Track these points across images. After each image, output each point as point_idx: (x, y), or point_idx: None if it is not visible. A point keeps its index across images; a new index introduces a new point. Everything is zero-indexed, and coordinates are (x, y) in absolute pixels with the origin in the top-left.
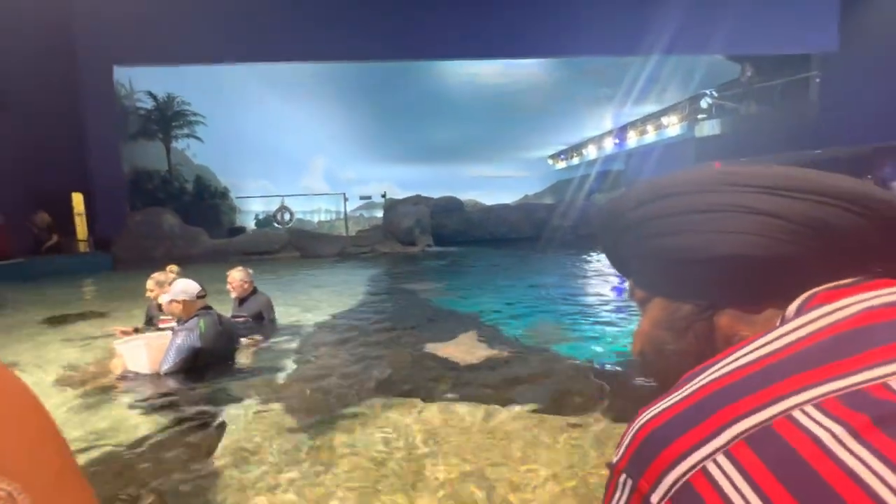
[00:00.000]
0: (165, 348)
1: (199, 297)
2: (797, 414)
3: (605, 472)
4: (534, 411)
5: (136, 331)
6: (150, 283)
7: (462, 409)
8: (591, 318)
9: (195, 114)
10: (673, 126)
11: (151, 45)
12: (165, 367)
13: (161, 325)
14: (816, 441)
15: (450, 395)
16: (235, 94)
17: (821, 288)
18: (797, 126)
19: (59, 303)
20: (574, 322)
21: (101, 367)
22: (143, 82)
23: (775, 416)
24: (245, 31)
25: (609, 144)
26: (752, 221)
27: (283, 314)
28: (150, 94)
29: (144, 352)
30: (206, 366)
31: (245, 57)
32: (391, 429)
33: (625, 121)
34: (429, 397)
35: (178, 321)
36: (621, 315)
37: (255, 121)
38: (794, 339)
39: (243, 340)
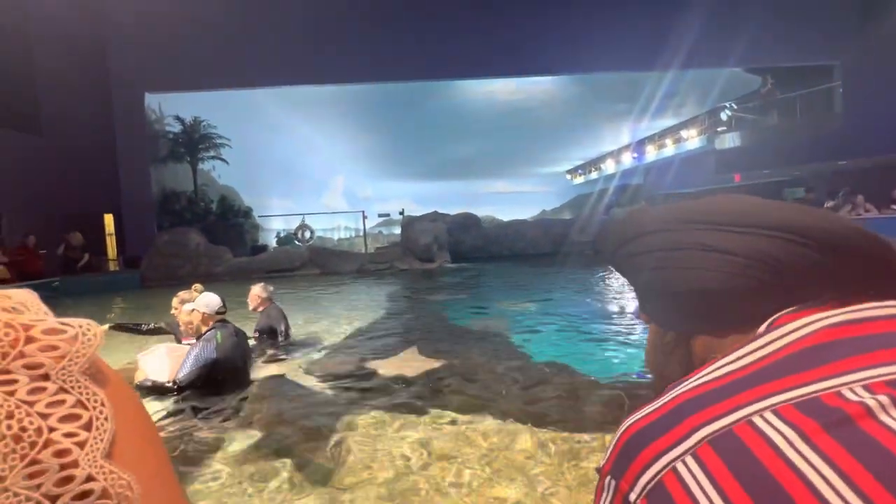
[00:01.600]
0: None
1: (219, 312)
2: (756, 419)
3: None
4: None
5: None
6: (175, 301)
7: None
8: (611, 335)
9: (220, 136)
10: (692, 139)
11: (180, 72)
12: (182, 375)
13: (184, 342)
14: (770, 443)
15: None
16: (259, 116)
17: (785, 311)
18: (820, 137)
19: (94, 318)
20: (596, 339)
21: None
22: (171, 107)
23: (737, 420)
24: (268, 56)
25: (627, 158)
26: (707, 258)
27: (300, 330)
28: (178, 118)
29: (166, 359)
30: (223, 381)
31: (268, 81)
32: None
33: (642, 135)
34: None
35: (197, 336)
36: (637, 332)
37: (277, 142)
38: (760, 356)
39: (266, 353)
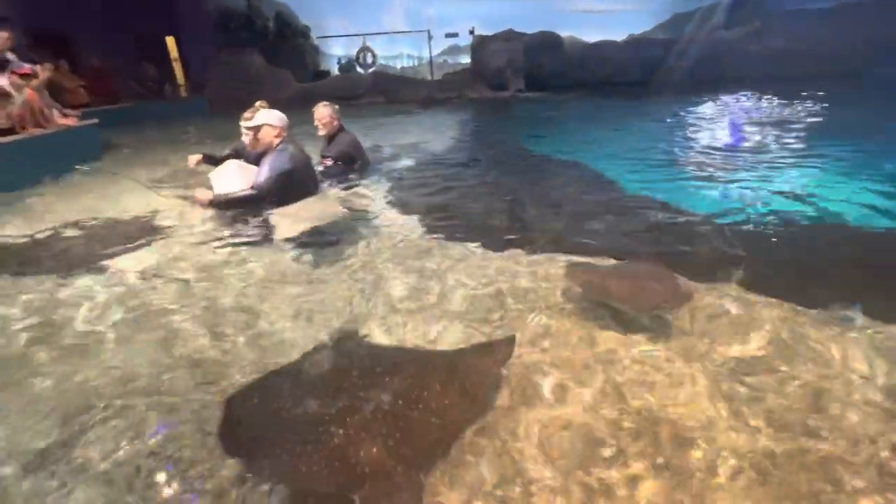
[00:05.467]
0: (256, 172)
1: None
2: None
3: None
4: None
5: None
6: (243, 125)
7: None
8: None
9: None
10: None
11: None
12: (261, 180)
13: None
14: None
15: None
16: None
17: None
18: None
19: (170, 144)
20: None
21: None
22: None
23: None
24: None
25: None
26: None
27: (372, 158)
28: None
29: (237, 174)
30: (295, 192)
31: None
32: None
33: None
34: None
35: (264, 152)
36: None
37: None
38: None
39: (348, 177)
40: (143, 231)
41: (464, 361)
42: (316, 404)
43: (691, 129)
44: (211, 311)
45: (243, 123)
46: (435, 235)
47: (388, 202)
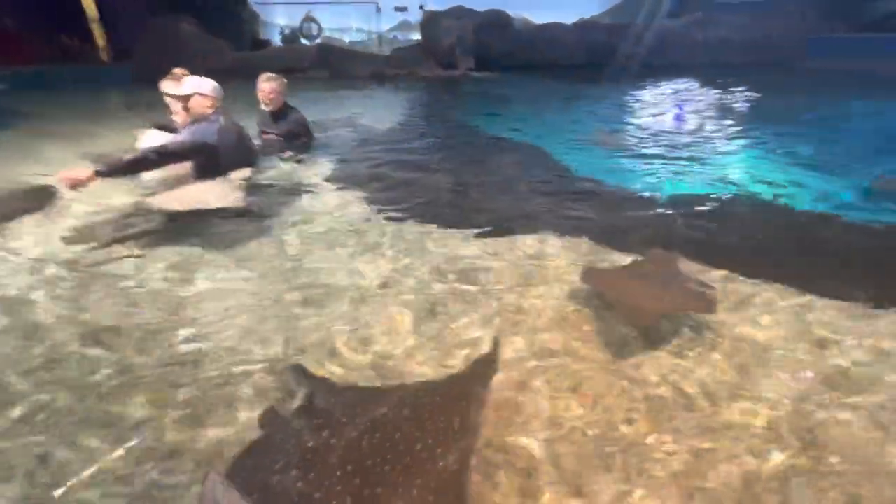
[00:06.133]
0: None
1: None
2: None
3: None
4: None
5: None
6: (169, 91)
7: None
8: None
9: None
10: None
11: None
12: (173, 142)
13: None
14: None
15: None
16: None
17: None
18: None
19: (88, 113)
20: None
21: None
22: None
23: None
24: None
25: None
26: None
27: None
28: None
29: (162, 137)
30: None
31: None
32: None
33: None
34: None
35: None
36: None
37: None
38: None
39: (283, 157)
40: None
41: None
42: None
43: (636, 113)
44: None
45: (168, 90)
46: (380, 215)
47: (332, 180)
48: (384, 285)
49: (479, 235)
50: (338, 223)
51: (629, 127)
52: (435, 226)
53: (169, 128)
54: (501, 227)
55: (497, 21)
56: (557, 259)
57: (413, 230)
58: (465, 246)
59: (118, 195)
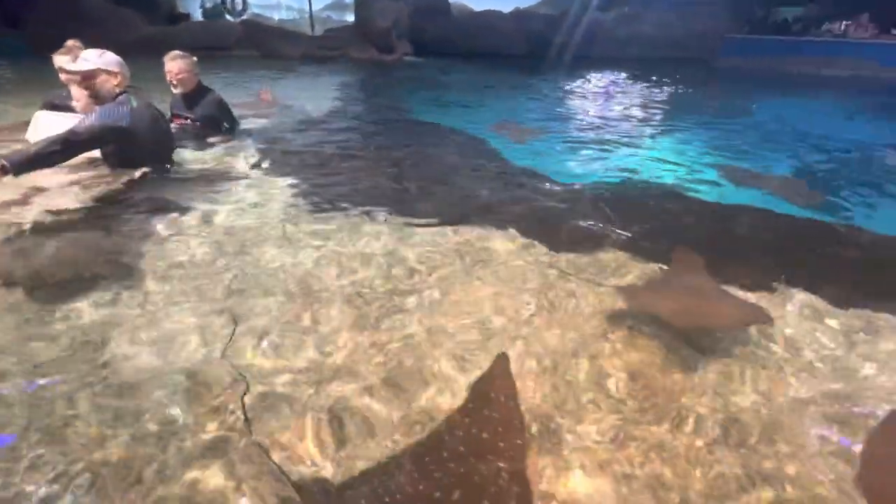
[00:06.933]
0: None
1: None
2: None
3: None
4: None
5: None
6: (65, 66)
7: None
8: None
9: None
10: None
11: None
12: (80, 126)
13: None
14: None
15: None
16: None
17: None
18: None
19: None
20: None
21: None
22: None
23: None
24: None
25: None
26: None
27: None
28: None
29: (58, 120)
30: (139, 160)
31: None
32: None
33: None
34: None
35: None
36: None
37: None
38: None
39: (206, 143)
40: None
41: None
42: None
43: (567, 103)
44: None
45: (64, 65)
46: (309, 206)
47: (258, 168)
48: (319, 282)
49: (420, 225)
50: (265, 216)
51: (547, 117)
52: (377, 213)
53: (62, 106)
54: (442, 216)
55: (433, 6)
56: (502, 247)
57: (352, 220)
58: (407, 237)
59: None
